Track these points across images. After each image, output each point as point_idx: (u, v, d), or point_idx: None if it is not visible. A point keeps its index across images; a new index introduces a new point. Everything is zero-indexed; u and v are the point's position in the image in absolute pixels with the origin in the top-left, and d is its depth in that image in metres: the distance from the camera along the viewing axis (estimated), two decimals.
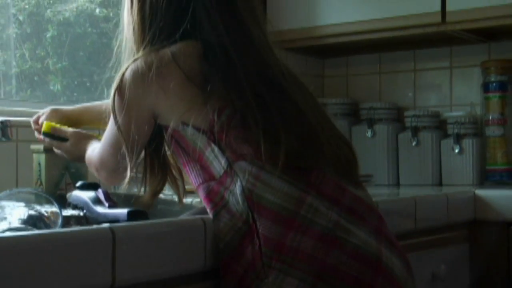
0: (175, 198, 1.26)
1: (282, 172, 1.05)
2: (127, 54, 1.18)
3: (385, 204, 1.49)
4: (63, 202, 1.50)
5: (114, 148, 1.16)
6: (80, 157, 1.42)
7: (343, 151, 1.15)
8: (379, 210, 1.16)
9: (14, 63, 2.20)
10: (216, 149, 1.07)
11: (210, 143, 1.08)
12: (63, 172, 1.57)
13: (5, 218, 1.01)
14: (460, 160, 2.39)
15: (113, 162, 1.17)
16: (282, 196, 1.04)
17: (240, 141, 1.06)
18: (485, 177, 2.38)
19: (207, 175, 1.08)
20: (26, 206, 1.04)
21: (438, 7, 2.22)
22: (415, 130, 2.45)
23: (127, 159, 1.13)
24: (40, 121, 1.53)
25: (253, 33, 1.15)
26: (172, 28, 1.14)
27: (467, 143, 2.39)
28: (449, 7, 2.21)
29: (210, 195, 1.07)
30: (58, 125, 1.49)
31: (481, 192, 1.90)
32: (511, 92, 2.37)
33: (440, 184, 2.43)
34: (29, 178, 1.64)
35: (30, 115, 1.85)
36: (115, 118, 1.14)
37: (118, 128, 1.13)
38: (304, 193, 1.05)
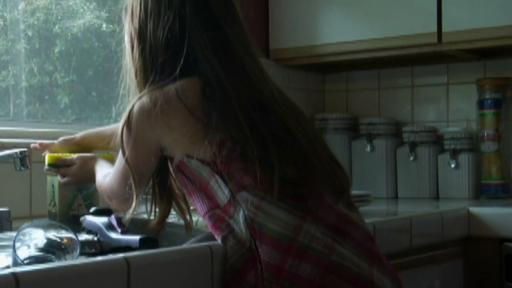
0: (181, 221, 1.33)
1: (280, 200, 1.12)
2: (131, 95, 1.26)
3: (382, 224, 1.56)
4: (76, 222, 1.56)
5: (123, 178, 1.24)
6: (88, 178, 1.50)
7: (336, 173, 1.22)
8: (376, 230, 1.22)
9: (23, 77, 2.23)
10: (219, 180, 1.14)
11: (214, 174, 1.15)
12: (76, 193, 1.63)
13: (28, 246, 1.08)
14: (456, 174, 2.46)
15: (122, 192, 1.25)
16: (281, 224, 1.11)
17: (241, 173, 1.14)
18: (481, 191, 2.45)
19: (212, 204, 1.16)
20: (44, 233, 1.11)
21: (434, 28, 2.29)
22: (413, 145, 2.52)
23: (134, 189, 1.21)
24: (46, 148, 1.62)
25: (246, 64, 1.22)
26: (171, 66, 1.21)
27: (463, 158, 2.45)
28: (444, 28, 2.27)
29: (216, 223, 1.14)
30: (60, 155, 1.57)
31: (475, 210, 1.95)
32: (505, 109, 2.44)
33: (437, 197, 2.50)
34: (43, 199, 1.71)
35: (42, 135, 1.92)
36: (123, 151, 1.21)
37: (126, 161, 1.21)
38: (302, 219, 1.12)
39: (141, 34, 1.25)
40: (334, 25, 2.48)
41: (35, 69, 2.28)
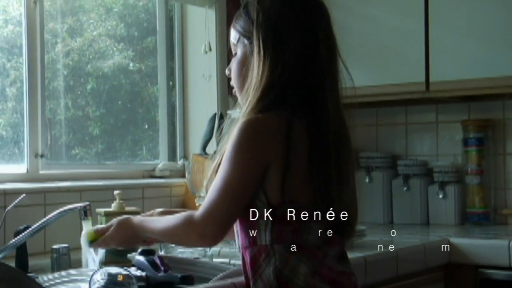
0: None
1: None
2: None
3: (371, 257, 1.87)
4: (119, 255, 1.88)
5: None
6: (128, 237, 1.50)
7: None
8: (367, 262, 1.60)
9: (59, 111, 2.45)
10: (270, 224, 1.36)
11: (269, 217, 1.36)
12: None
13: (94, 283, 1.40)
14: (444, 203, 2.75)
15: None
16: (302, 279, 1.35)
17: (289, 230, 1.37)
18: (465, 218, 2.74)
19: (252, 240, 1.37)
20: (105, 271, 1.43)
21: (422, 78, 2.56)
22: (406, 177, 2.81)
23: None
24: None
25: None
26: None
27: (450, 189, 2.74)
28: (432, 78, 2.55)
29: (253, 260, 1.37)
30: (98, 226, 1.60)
31: (455, 240, 2.24)
32: (487, 147, 2.72)
33: (427, 223, 2.79)
34: None
35: (90, 176, 2.22)
36: None
37: None
38: (314, 274, 1.36)
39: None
40: None
41: (70, 104, 2.51)
